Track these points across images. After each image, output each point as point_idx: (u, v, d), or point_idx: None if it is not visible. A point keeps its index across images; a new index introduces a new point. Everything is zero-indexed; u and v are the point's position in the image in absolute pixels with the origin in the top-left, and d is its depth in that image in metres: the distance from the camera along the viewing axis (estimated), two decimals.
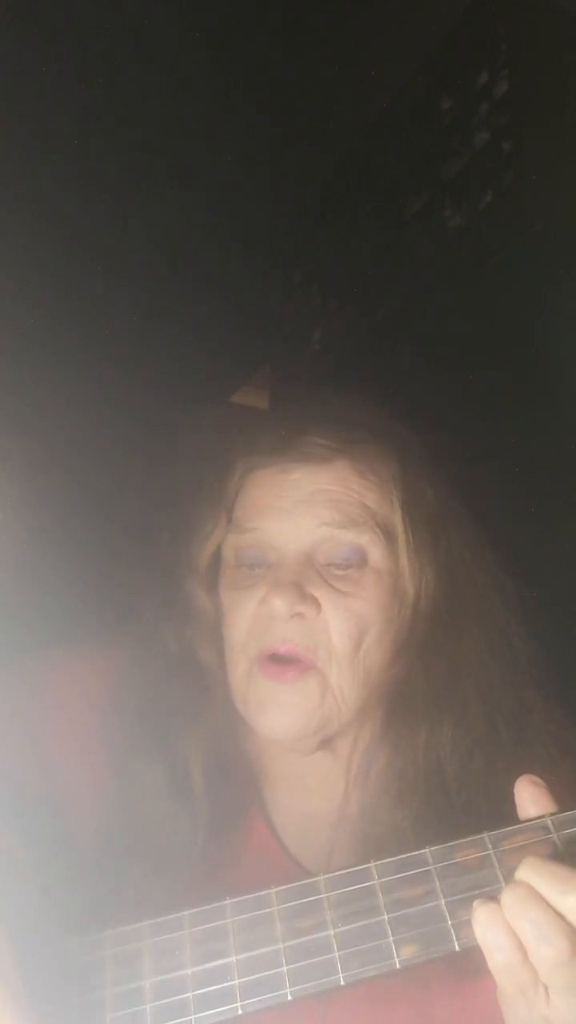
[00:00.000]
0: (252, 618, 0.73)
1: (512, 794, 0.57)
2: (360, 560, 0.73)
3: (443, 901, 0.48)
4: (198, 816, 0.69)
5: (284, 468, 0.76)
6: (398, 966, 0.47)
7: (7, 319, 1.49)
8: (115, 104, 1.45)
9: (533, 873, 0.48)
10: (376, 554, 0.74)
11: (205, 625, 0.76)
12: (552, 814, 0.51)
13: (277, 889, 0.50)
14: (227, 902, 0.50)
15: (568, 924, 0.47)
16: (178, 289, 1.73)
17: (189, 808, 0.69)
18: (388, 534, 0.74)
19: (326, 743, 0.74)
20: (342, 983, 0.47)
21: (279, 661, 0.71)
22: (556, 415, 1.40)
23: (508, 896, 0.48)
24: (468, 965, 0.54)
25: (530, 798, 0.53)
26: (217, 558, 0.78)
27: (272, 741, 0.74)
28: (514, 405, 1.44)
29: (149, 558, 0.82)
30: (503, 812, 0.54)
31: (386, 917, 0.48)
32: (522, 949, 0.48)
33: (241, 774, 0.77)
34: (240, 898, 0.50)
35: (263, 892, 0.50)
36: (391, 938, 0.47)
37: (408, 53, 1.51)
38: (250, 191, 1.63)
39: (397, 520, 0.75)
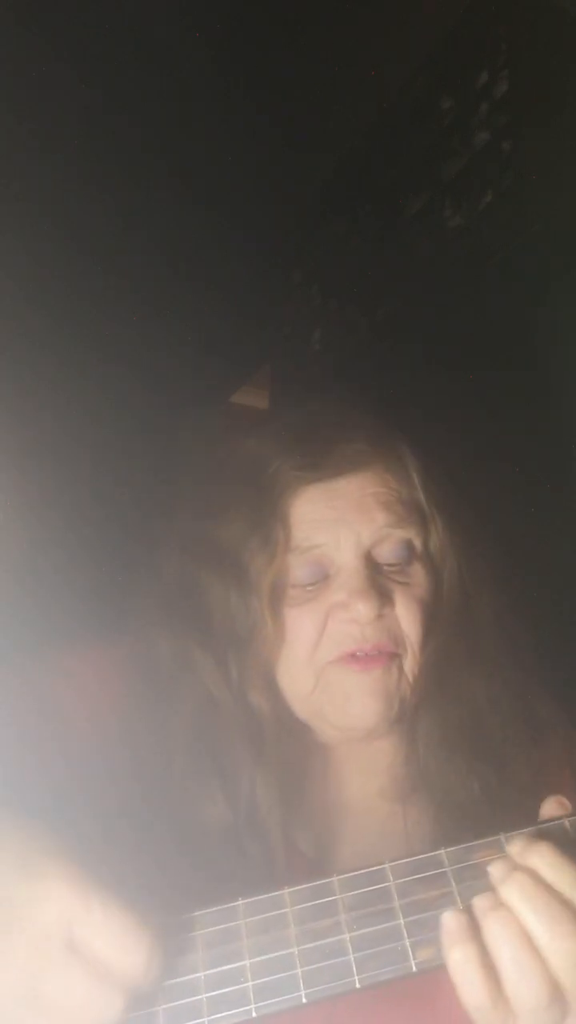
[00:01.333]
0: (320, 630, 0.74)
1: (528, 789, 0.61)
2: (409, 554, 0.77)
3: (460, 904, 0.48)
4: (275, 853, 0.69)
5: (330, 479, 0.77)
6: (415, 969, 0.47)
7: (7, 319, 1.49)
8: (115, 104, 1.45)
9: (525, 903, 0.48)
10: (419, 544, 0.78)
11: (261, 651, 0.75)
12: (570, 815, 0.51)
13: (290, 890, 0.50)
14: (239, 903, 0.50)
15: (549, 967, 0.47)
16: (178, 289, 1.72)
17: (263, 845, 0.69)
18: (423, 525, 0.79)
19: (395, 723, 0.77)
20: (357, 986, 0.47)
21: (362, 657, 0.74)
22: (556, 415, 1.40)
23: (495, 926, 0.48)
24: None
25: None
26: (276, 581, 0.77)
27: (353, 734, 0.75)
28: (514, 405, 1.44)
29: (166, 577, 0.80)
30: (522, 810, 0.54)
31: (402, 920, 0.48)
32: (497, 984, 0.48)
33: (306, 799, 0.77)
34: (253, 899, 0.49)
35: (276, 893, 0.50)
36: (407, 941, 0.47)
37: (408, 53, 1.51)
38: (250, 191, 1.63)
39: (426, 510, 0.79)
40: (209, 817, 0.69)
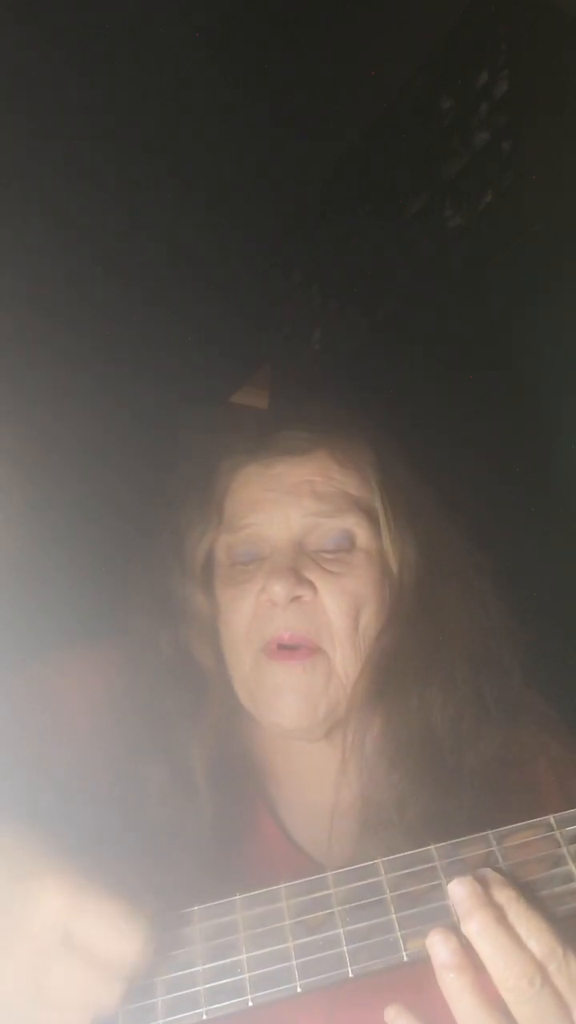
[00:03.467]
0: (252, 610, 0.75)
1: (512, 789, 0.62)
2: (349, 543, 0.77)
3: (449, 900, 0.49)
4: (203, 815, 0.70)
5: (268, 463, 0.78)
6: (406, 959, 0.48)
7: (7, 319, 1.49)
8: (115, 104, 1.45)
9: (479, 939, 0.48)
10: (362, 535, 0.77)
11: (201, 626, 0.77)
12: (555, 812, 0.52)
13: (287, 885, 0.50)
14: (236, 898, 0.50)
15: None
16: (178, 289, 1.73)
17: (194, 808, 0.70)
18: (370, 516, 0.78)
19: (331, 728, 0.75)
20: (351, 975, 0.48)
21: (286, 648, 0.73)
22: (556, 415, 1.40)
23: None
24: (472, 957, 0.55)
25: None
26: (210, 558, 0.80)
27: (281, 731, 0.74)
28: (513, 404, 1.44)
29: (142, 560, 0.82)
30: (505, 807, 0.54)
31: (394, 912, 0.49)
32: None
33: (244, 771, 0.77)
34: (250, 894, 0.50)
35: (272, 888, 0.50)
36: (398, 933, 0.48)
37: (408, 53, 1.51)
38: (250, 191, 1.63)
39: (377, 503, 0.79)
40: (151, 775, 0.70)
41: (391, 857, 0.50)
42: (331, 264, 1.80)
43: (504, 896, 0.49)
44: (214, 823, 0.70)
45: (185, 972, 0.48)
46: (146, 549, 0.82)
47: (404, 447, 0.84)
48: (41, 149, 1.46)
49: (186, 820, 0.69)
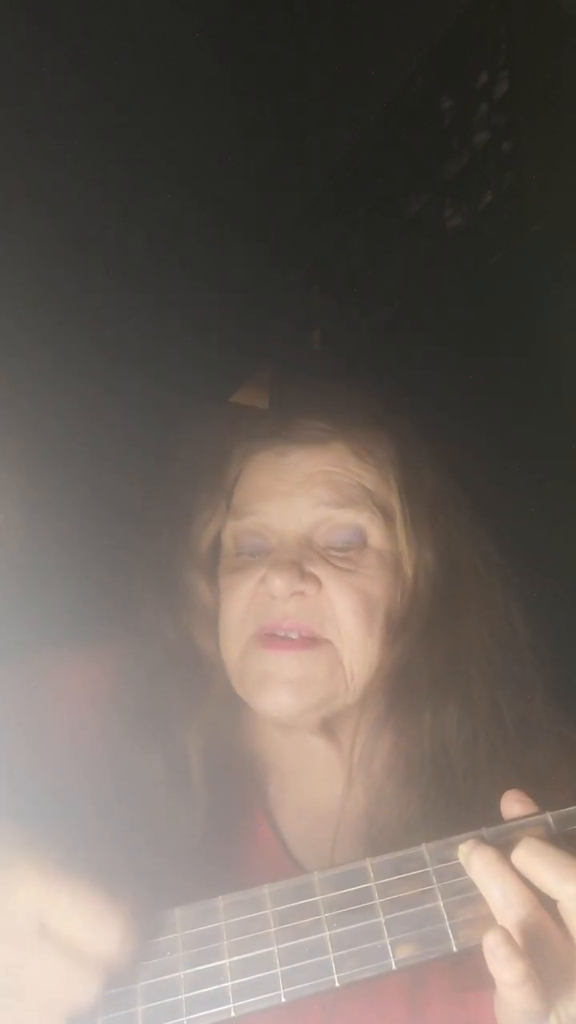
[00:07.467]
0: (250, 597, 0.72)
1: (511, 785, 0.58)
2: (360, 541, 0.73)
3: (441, 902, 0.47)
4: (197, 808, 0.68)
5: (282, 451, 0.75)
6: (394, 967, 0.46)
7: (7, 317, 1.49)
8: (115, 104, 1.45)
9: (532, 856, 0.47)
10: (376, 534, 0.73)
11: (204, 613, 0.75)
12: (552, 810, 0.50)
13: (271, 889, 0.49)
14: (220, 903, 0.49)
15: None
16: (178, 288, 1.72)
17: (187, 799, 0.68)
18: (386, 515, 0.74)
19: (329, 726, 0.73)
20: (337, 984, 0.46)
21: (282, 638, 0.70)
22: (556, 413, 1.40)
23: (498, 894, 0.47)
24: (468, 977, 0.53)
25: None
26: (217, 546, 0.77)
27: (273, 719, 0.72)
28: (514, 404, 1.44)
29: (147, 550, 0.81)
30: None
31: (382, 918, 0.47)
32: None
33: (242, 765, 0.76)
34: (233, 898, 0.49)
35: (257, 892, 0.49)
36: (387, 939, 0.46)
37: (408, 53, 1.51)
38: (250, 190, 1.63)
39: (395, 501, 0.74)
40: (147, 764, 0.69)
41: (381, 859, 0.49)
42: (331, 264, 1.80)
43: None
44: (208, 817, 0.68)
45: (166, 978, 0.47)
46: (149, 537, 0.80)
47: (431, 443, 0.80)
48: (41, 147, 1.46)
49: (179, 812, 0.68)
